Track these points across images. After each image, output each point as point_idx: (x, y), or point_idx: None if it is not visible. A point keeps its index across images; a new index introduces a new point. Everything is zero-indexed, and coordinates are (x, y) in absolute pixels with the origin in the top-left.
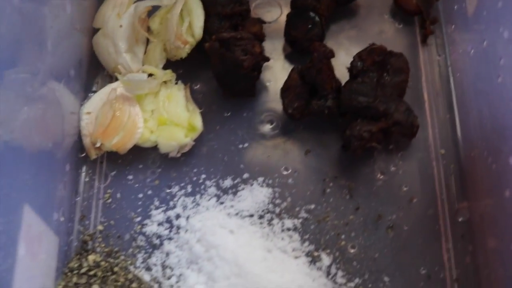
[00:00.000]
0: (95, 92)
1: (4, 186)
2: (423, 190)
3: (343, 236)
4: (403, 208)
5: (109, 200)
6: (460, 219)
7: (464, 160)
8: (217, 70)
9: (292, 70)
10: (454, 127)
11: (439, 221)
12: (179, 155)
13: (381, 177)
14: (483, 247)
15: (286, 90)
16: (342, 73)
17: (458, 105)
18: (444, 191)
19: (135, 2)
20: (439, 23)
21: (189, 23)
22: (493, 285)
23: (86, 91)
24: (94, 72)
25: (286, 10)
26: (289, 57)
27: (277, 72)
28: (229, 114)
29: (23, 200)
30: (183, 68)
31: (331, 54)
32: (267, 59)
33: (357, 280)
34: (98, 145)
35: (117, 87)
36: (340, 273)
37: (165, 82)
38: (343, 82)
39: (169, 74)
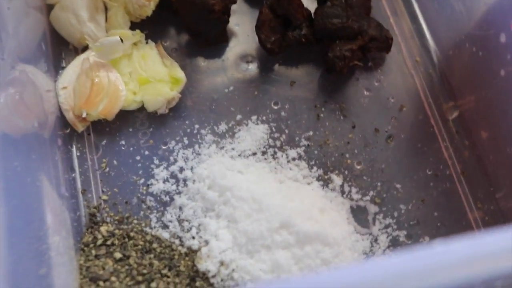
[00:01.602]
0: (64, 67)
1: (20, 172)
2: (409, 99)
3: (347, 155)
4: (395, 118)
5: (107, 169)
6: (450, 118)
7: (442, 62)
8: (187, 20)
9: (263, 6)
10: (423, 34)
11: (431, 124)
12: (167, 111)
13: (368, 93)
14: (478, 139)
15: (260, 26)
16: (304, 2)
17: (422, 13)
18: (429, 95)
19: None
20: None
21: None
22: (498, 171)
23: (55, 68)
24: (58, 48)
25: None
26: None
27: (241, 15)
28: (206, 63)
29: (37, 182)
30: (149, 28)
31: None
32: (235, 1)
33: (371, 193)
34: (84, 115)
35: (88, 56)
36: (353, 190)
37: (135, 43)
38: (310, 10)
39: (139, 35)
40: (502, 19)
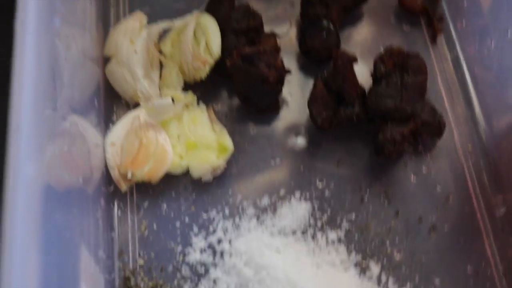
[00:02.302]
0: (114, 122)
1: (59, 228)
2: (457, 188)
3: (387, 242)
4: (440, 208)
5: (146, 232)
6: (497, 213)
7: (493, 153)
8: (240, 87)
9: (316, 80)
10: (477, 122)
11: (477, 217)
12: (211, 178)
13: (415, 179)
14: None
15: (313, 100)
16: (360, 78)
17: (479, 100)
18: (477, 186)
19: (145, 26)
20: (446, 20)
21: (205, 42)
22: None
23: (106, 122)
24: (110, 102)
25: (295, 23)
26: (304, 68)
27: (295, 85)
28: (255, 132)
29: (77, 240)
30: (201, 90)
31: (355, 59)
32: (289, 71)
33: (408, 285)
34: (129, 176)
35: (139, 115)
36: (391, 280)
37: (186, 105)
38: (365, 87)
39: (191, 96)
40: None
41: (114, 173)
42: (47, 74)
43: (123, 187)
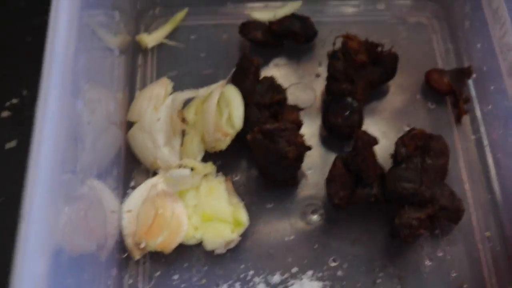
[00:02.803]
0: (133, 187)
1: None
2: (472, 275)
3: None
4: None
5: None
6: None
7: (511, 240)
8: (260, 161)
9: (336, 159)
10: (497, 208)
11: None
12: (224, 251)
13: (430, 263)
14: None
15: (331, 180)
16: (381, 156)
17: (500, 185)
18: (493, 274)
19: (170, 94)
20: (472, 102)
21: (228, 113)
22: None
23: (124, 187)
24: (130, 167)
25: (320, 94)
26: (326, 142)
27: (315, 159)
28: (272, 205)
29: None
30: (222, 159)
31: (375, 142)
32: (310, 148)
33: None
34: (142, 245)
35: (157, 183)
36: None
37: (205, 175)
38: (383, 166)
39: (210, 167)
40: None
41: (128, 241)
42: (68, 138)
43: (136, 255)
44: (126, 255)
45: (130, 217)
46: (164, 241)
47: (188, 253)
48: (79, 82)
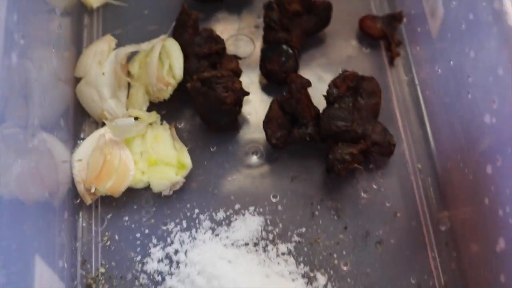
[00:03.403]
0: (83, 139)
1: (13, 239)
2: (405, 204)
3: (335, 255)
4: (388, 223)
5: (108, 243)
6: (442, 228)
7: (440, 172)
8: (201, 108)
9: (272, 102)
10: (428, 142)
11: (423, 232)
12: (171, 193)
13: (365, 195)
14: (466, 253)
15: (268, 121)
16: (318, 100)
17: (430, 121)
18: (425, 203)
19: (114, 49)
20: (404, 44)
21: (169, 65)
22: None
23: (74, 139)
24: (80, 120)
25: (258, 44)
26: (265, 89)
27: (256, 104)
28: (214, 148)
29: (33, 251)
30: (166, 109)
31: (308, 84)
32: (247, 94)
33: None
34: (93, 190)
35: (105, 133)
36: None
37: (150, 123)
38: (320, 108)
39: (154, 116)
40: (490, 152)
41: (80, 188)
42: (14, 95)
43: (88, 200)
44: (79, 200)
45: (81, 166)
46: (113, 186)
47: (137, 196)
48: (12, 36)
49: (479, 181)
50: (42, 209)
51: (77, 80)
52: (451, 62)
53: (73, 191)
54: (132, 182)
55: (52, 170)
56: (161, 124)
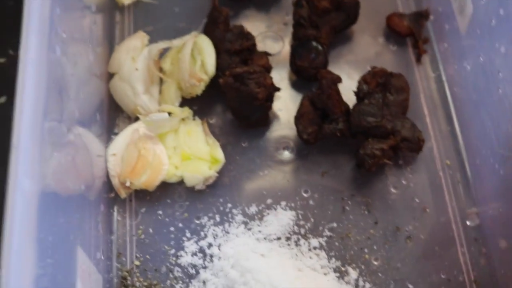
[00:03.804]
0: (116, 134)
1: (54, 230)
2: (434, 200)
3: (366, 250)
4: (417, 218)
5: (142, 236)
6: (471, 224)
7: (469, 168)
8: (232, 103)
9: (303, 98)
10: (456, 138)
11: (452, 228)
12: (204, 187)
13: (394, 191)
14: (496, 249)
15: (299, 117)
16: (347, 96)
17: (458, 117)
18: (454, 199)
19: (146, 45)
20: (431, 42)
21: (201, 61)
22: (510, 283)
23: (108, 133)
24: (113, 115)
25: (288, 42)
26: (295, 85)
27: (286, 100)
28: (246, 144)
29: (75, 242)
30: (198, 104)
31: (339, 79)
32: (278, 89)
33: None
34: (127, 184)
35: (138, 128)
36: (367, 285)
37: (183, 119)
38: (349, 104)
39: (187, 111)
40: None
41: (115, 181)
42: (52, 89)
43: (123, 194)
44: (113, 194)
45: (115, 160)
46: (148, 180)
47: (170, 190)
48: (57, 30)
49: (509, 177)
50: (79, 202)
51: (110, 75)
52: (481, 58)
53: (108, 184)
54: (166, 177)
55: (88, 163)
56: (194, 119)
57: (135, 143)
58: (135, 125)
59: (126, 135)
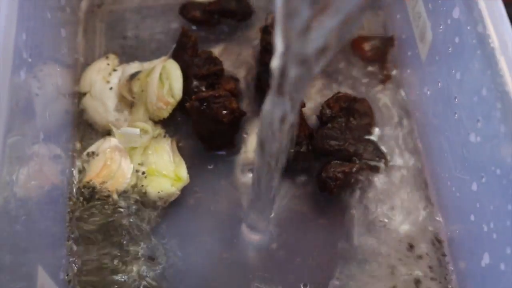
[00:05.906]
0: (86, 147)
1: (17, 248)
2: (397, 220)
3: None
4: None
5: None
6: (435, 244)
7: (432, 190)
8: (198, 127)
9: None
10: (420, 160)
11: (414, 247)
12: (166, 204)
13: (356, 213)
14: (458, 269)
15: None
16: (311, 120)
17: (421, 141)
18: (419, 219)
19: (117, 66)
20: (396, 66)
21: (169, 85)
22: None
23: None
24: (84, 131)
25: (256, 67)
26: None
27: (252, 124)
28: (211, 166)
29: (36, 262)
30: (165, 127)
31: (302, 104)
32: (244, 114)
33: None
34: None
35: (111, 139)
36: None
37: (154, 137)
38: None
39: (159, 130)
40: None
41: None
42: (14, 107)
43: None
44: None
45: (84, 166)
46: (109, 188)
47: None
48: (22, 56)
49: (465, 199)
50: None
51: (81, 94)
52: (439, 84)
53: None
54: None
55: (55, 176)
56: (164, 136)
57: (104, 152)
58: (108, 137)
59: (97, 145)
